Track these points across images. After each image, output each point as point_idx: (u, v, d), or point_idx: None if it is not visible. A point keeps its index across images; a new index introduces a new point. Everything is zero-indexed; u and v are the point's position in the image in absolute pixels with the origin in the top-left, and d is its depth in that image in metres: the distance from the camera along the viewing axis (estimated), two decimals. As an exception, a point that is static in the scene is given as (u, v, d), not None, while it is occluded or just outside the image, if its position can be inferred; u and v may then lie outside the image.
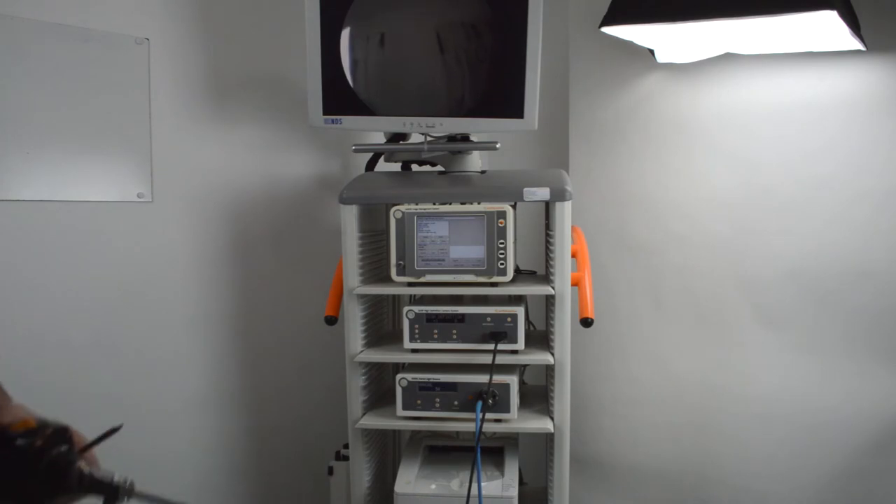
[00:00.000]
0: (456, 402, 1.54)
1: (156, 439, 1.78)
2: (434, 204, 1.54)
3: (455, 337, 1.54)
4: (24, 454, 0.73)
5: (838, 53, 1.63)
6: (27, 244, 1.56)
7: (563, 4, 1.95)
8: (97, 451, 0.85)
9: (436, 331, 1.55)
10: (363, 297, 1.62)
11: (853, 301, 1.70)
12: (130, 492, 0.80)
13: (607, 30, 1.57)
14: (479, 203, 1.54)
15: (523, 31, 1.47)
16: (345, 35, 1.53)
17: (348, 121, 1.56)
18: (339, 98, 1.55)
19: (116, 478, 0.79)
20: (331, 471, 1.79)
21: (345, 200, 1.57)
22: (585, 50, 1.92)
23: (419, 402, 1.55)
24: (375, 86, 1.55)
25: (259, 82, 1.94)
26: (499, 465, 1.62)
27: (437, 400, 1.55)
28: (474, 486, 1.46)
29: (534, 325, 1.84)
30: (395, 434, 1.96)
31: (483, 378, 1.52)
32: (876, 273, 1.67)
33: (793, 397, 1.77)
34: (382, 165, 1.88)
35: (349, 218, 1.57)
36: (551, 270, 1.55)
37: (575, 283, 1.57)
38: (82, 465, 0.77)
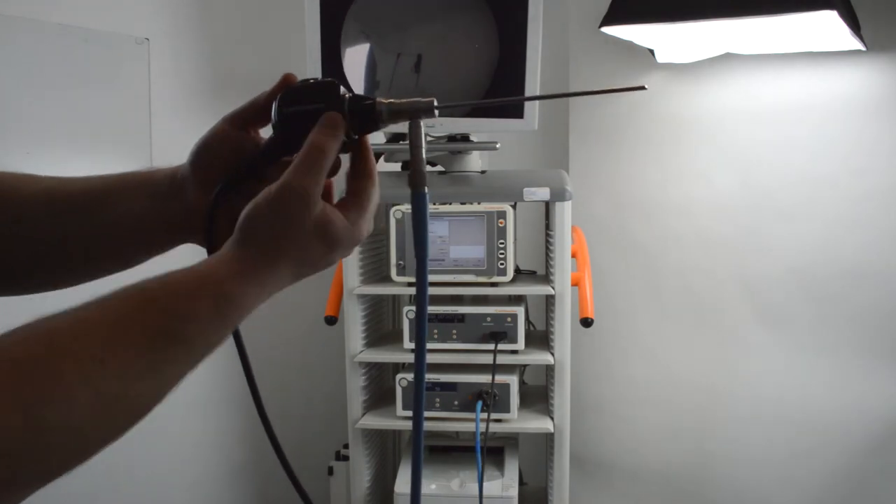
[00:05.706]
0: (456, 402, 1.54)
1: (156, 440, 1.78)
2: (434, 204, 1.54)
3: (455, 337, 1.54)
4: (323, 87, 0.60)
5: (838, 53, 1.63)
6: (27, 244, 1.55)
7: (563, 4, 1.95)
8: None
9: (436, 331, 1.54)
10: (363, 297, 1.62)
11: (854, 301, 1.70)
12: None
13: (607, 30, 1.57)
14: (479, 203, 1.54)
15: (523, 31, 1.47)
16: (345, 35, 1.53)
17: (348, 121, 1.56)
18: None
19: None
20: (331, 471, 1.79)
21: (345, 200, 1.57)
22: (585, 50, 1.92)
23: (419, 402, 1.55)
24: (375, 85, 1.55)
25: (259, 82, 1.92)
26: (499, 465, 1.62)
27: (438, 400, 1.55)
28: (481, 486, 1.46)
29: (534, 325, 1.83)
30: (395, 434, 1.95)
31: (483, 378, 1.52)
32: (876, 273, 1.67)
33: (794, 398, 1.77)
34: (382, 165, 1.88)
35: (349, 218, 1.57)
36: (551, 270, 1.55)
37: (575, 283, 1.57)
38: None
